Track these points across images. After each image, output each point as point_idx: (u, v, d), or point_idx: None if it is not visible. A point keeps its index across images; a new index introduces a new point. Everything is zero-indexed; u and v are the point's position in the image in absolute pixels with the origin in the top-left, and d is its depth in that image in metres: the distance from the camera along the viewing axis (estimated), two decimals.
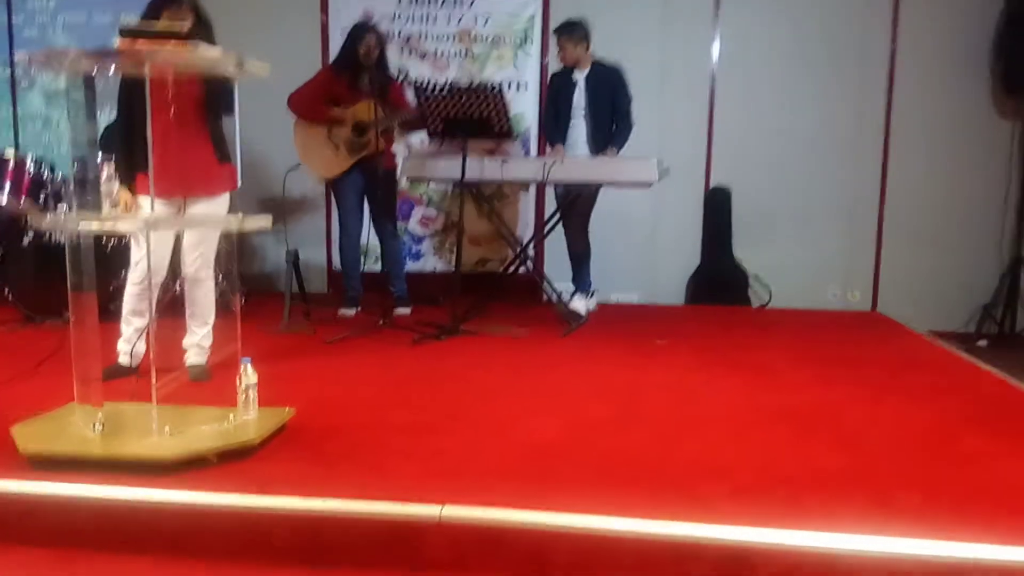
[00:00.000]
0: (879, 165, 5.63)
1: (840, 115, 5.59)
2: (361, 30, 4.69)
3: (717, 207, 5.72)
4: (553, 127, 4.89)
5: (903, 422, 2.98)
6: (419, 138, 5.34)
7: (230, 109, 3.37)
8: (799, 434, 2.83)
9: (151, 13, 3.16)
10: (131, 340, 3.41)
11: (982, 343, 5.36)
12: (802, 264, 5.71)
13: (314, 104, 4.72)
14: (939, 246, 5.59)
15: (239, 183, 3.00)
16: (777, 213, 5.72)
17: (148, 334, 3.40)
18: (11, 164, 4.51)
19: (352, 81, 4.57)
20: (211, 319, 3.49)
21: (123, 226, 2.87)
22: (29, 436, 2.50)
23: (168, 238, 3.33)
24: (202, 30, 3.12)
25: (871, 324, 5.11)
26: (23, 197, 4.50)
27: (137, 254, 3.30)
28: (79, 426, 2.58)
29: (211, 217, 3.32)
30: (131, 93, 3.39)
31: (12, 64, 5.81)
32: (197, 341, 3.48)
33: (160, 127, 3.08)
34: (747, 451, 2.64)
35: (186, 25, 3.07)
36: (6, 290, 4.54)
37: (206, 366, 3.48)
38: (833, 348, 4.28)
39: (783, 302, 5.66)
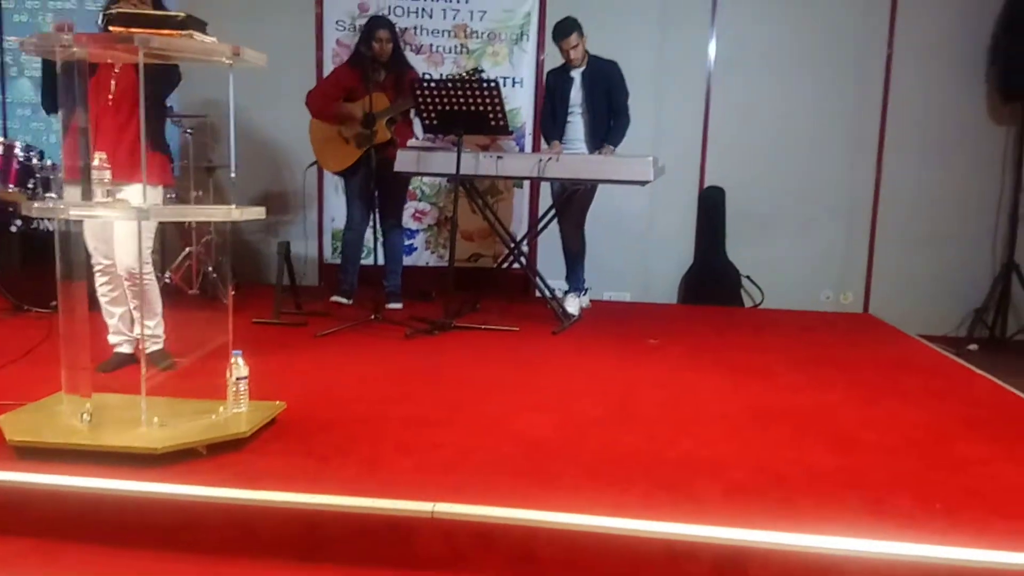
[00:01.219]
0: (873, 168, 5.64)
1: (835, 118, 5.60)
2: (374, 25, 4.71)
3: (711, 207, 5.72)
4: (550, 124, 4.87)
5: (896, 424, 2.98)
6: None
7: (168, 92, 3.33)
8: (793, 435, 2.82)
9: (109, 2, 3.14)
10: (119, 330, 3.38)
11: (973, 347, 5.38)
12: (795, 265, 5.72)
13: (327, 101, 4.74)
14: (932, 250, 5.62)
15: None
16: (771, 214, 5.72)
17: (132, 320, 3.39)
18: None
19: (366, 75, 4.56)
20: (159, 308, 3.40)
21: (115, 215, 2.83)
22: (16, 426, 2.46)
23: (107, 227, 3.25)
24: (195, 18, 3.09)
25: (864, 326, 5.12)
26: (11, 184, 4.45)
27: (89, 242, 3.26)
28: (67, 416, 2.56)
29: (204, 209, 3.29)
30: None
31: (2, 49, 5.75)
32: (151, 332, 3.36)
33: (95, 111, 3.06)
34: (741, 451, 2.64)
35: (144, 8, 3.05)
36: None
37: (164, 350, 3.42)
38: (826, 349, 4.28)
39: (775, 303, 5.67)
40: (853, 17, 5.51)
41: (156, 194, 3.29)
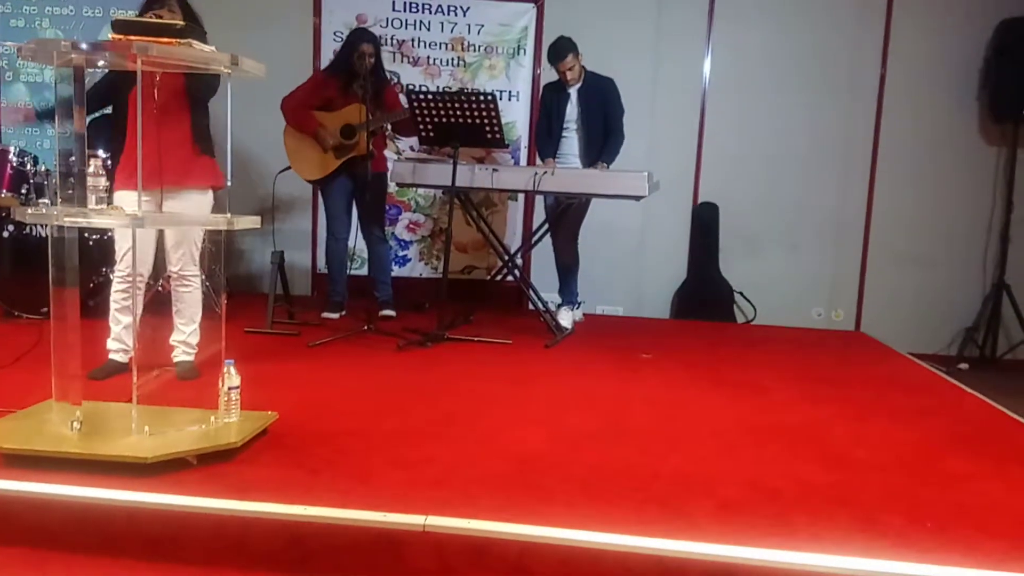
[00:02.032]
0: (866, 187, 5.68)
1: (829, 136, 5.64)
2: (358, 37, 4.69)
3: (704, 222, 5.74)
4: (545, 140, 4.89)
5: (887, 441, 2.99)
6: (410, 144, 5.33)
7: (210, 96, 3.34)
8: (784, 451, 2.83)
9: (142, 11, 3.16)
10: (121, 337, 3.38)
11: (963, 366, 5.41)
12: (788, 282, 5.74)
13: (303, 110, 4.71)
14: (923, 269, 5.65)
15: (228, 182, 2.96)
16: (764, 231, 5.75)
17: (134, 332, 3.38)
18: None
19: (345, 85, 4.56)
20: (198, 317, 3.46)
21: (110, 223, 2.82)
22: (5, 433, 2.45)
23: (150, 233, 3.31)
24: (194, 27, 3.10)
25: (855, 344, 5.14)
26: (4, 190, 4.44)
27: (121, 248, 3.29)
28: (56, 424, 2.54)
29: (199, 217, 3.29)
30: (112, 86, 3.38)
31: None
32: (184, 339, 3.45)
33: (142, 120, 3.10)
34: (733, 467, 2.64)
35: (176, 17, 3.07)
36: None
37: (194, 363, 3.45)
38: (818, 366, 4.30)
39: (767, 319, 5.68)
40: (847, 36, 5.56)
41: (208, 198, 3.36)
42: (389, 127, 4.87)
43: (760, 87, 5.63)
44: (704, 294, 5.76)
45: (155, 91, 3.15)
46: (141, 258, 3.29)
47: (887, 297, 5.72)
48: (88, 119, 2.78)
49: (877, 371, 4.30)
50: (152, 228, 3.25)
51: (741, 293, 5.77)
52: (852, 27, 5.56)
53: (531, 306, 4.86)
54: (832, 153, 5.66)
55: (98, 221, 2.63)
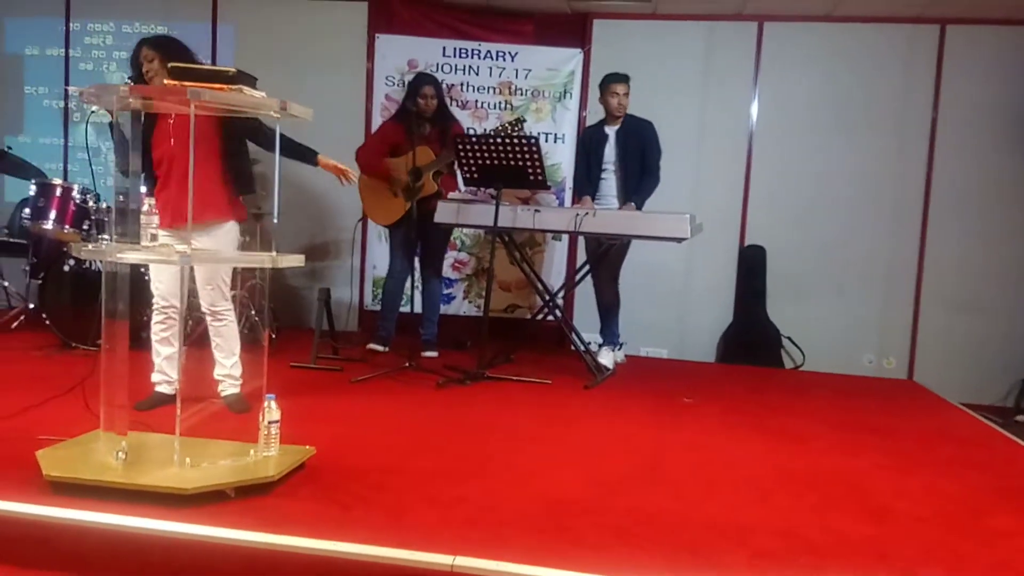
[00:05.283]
0: (918, 231, 5.58)
1: (879, 180, 5.58)
2: (419, 80, 4.86)
3: (752, 265, 5.69)
4: (584, 180, 4.93)
5: (931, 494, 2.90)
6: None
7: (269, 146, 3.44)
8: (823, 501, 2.76)
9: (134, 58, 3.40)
10: (163, 369, 3.48)
11: (1021, 418, 5.22)
12: (837, 328, 5.64)
13: (374, 156, 4.87)
14: (978, 316, 5.51)
15: (275, 219, 3.05)
16: (813, 275, 5.68)
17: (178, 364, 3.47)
18: (58, 192, 4.65)
19: (410, 129, 4.69)
20: (237, 348, 3.54)
21: (158, 259, 2.92)
22: (53, 461, 2.53)
23: (172, 269, 3.37)
24: (245, 74, 3.23)
25: (906, 393, 5.00)
26: (67, 225, 4.63)
27: (152, 280, 3.44)
28: (102, 453, 2.62)
29: (244, 255, 3.39)
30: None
31: (66, 96, 6.03)
32: (227, 371, 3.53)
33: (162, 163, 3.26)
34: (769, 516, 2.59)
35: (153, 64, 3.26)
36: (44, 315, 4.64)
37: (241, 394, 3.53)
38: (865, 415, 4.19)
39: (816, 365, 5.58)
40: (896, 80, 5.52)
41: (231, 229, 3.44)
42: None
43: (807, 130, 5.60)
44: (751, 338, 5.69)
45: (171, 133, 3.28)
46: (172, 290, 3.38)
47: (941, 345, 5.58)
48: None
49: (926, 421, 4.18)
50: (199, 265, 3.34)
51: (789, 338, 5.68)
52: (901, 71, 5.51)
53: (572, 347, 4.86)
54: (882, 197, 5.58)
55: (148, 258, 2.72)
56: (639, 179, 4.79)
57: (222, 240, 3.40)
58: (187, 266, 3.41)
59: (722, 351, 5.78)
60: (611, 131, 4.83)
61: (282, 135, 3.26)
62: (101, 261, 3.01)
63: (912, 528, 2.55)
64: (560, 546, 2.25)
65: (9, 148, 5.37)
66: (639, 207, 4.71)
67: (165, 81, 2.63)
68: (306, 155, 3.66)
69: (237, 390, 3.54)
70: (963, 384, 5.31)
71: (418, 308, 4.95)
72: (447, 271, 5.78)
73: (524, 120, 4.67)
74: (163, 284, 3.41)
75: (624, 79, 4.77)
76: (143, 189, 4.09)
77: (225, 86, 2.53)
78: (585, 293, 5.21)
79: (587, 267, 4.87)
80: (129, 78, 3.44)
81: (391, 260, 5.06)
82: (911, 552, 2.35)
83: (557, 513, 2.52)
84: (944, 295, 5.57)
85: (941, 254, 5.55)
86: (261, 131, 3.45)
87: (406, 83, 5.34)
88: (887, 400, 4.67)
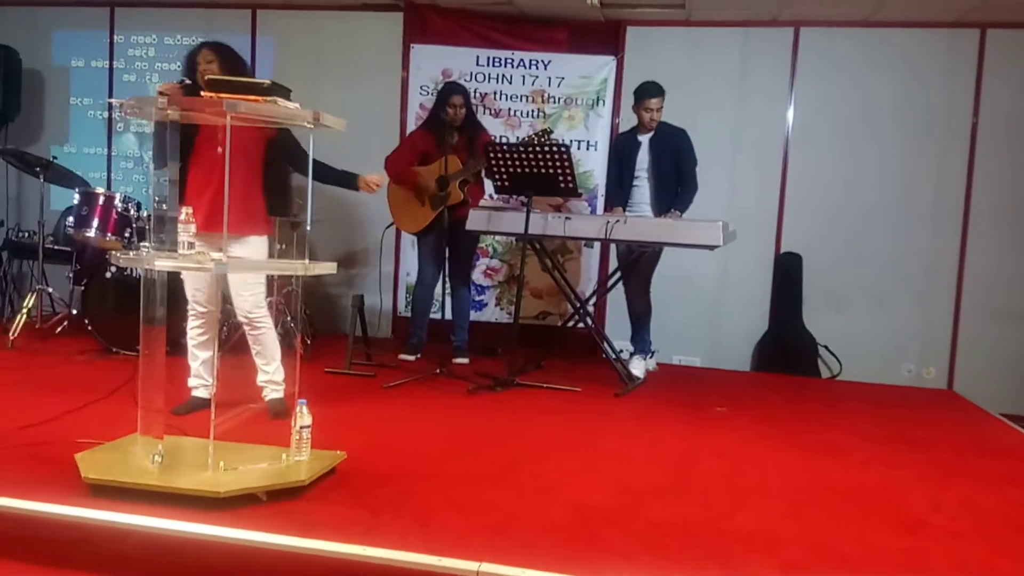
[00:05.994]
0: (958, 238, 5.47)
1: (918, 187, 5.48)
2: (448, 89, 4.90)
3: (788, 273, 5.63)
4: (616, 189, 4.91)
5: (967, 508, 2.85)
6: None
7: (297, 166, 3.50)
8: (856, 514, 2.72)
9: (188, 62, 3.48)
10: (199, 374, 3.54)
11: None
12: (876, 336, 5.55)
13: (403, 165, 4.91)
14: (1020, 324, 5.39)
15: (308, 227, 3.11)
16: (850, 283, 5.60)
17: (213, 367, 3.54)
18: (101, 200, 4.78)
19: (440, 138, 4.73)
20: (277, 354, 3.59)
21: (195, 267, 2.98)
22: (91, 464, 2.59)
23: (206, 275, 3.41)
24: (279, 85, 3.29)
25: (944, 403, 4.91)
26: (110, 233, 4.74)
27: (185, 284, 3.49)
28: (139, 456, 2.68)
29: (277, 263, 3.44)
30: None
31: (110, 107, 6.18)
32: (270, 377, 3.58)
33: (203, 166, 3.30)
34: (800, 528, 2.56)
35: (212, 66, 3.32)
36: (86, 321, 4.76)
37: (284, 399, 3.57)
38: (902, 427, 4.12)
39: (854, 375, 5.50)
40: (937, 86, 5.43)
41: (262, 243, 3.49)
42: (484, 173, 5.00)
43: (844, 137, 5.53)
44: (787, 346, 5.62)
45: (218, 143, 3.34)
46: (207, 296, 3.44)
47: (982, 354, 5.46)
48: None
49: (965, 433, 4.10)
50: (233, 273, 3.38)
51: (826, 347, 5.60)
52: (941, 77, 5.42)
53: (604, 354, 4.85)
54: (920, 204, 5.49)
55: (184, 265, 2.78)
56: (675, 188, 4.76)
57: (252, 249, 3.45)
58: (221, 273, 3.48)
59: (757, 360, 5.72)
60: (644, 138, 4.81)
61: (320, 162, 3.32)
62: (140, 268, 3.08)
63: (948, 543, 2.50)
64: (587, 554, 2.25)
65: (55, 158, 5.52)
66: (683, 214, 4.70)
67: (202, 93, 2.69)
68: (347, 179, 3.71)
69: (280, 394, 3.59)
70: (1004, 394, 5.19)
71: (449, 315, 4.98)
72: (479, 278, 5.81)
73: (551, 131, 4.68)
74: (199, 290, 3.48)
75: (659, 93, 4.70)
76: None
77: (260, 98, 2.58)
78: (617, 301, 5.20)
79: (618, 274, 4.86)
80: (183, 76, 3.50)
81: (420, 268, 5.10)
82: (946, 567, 2.31)
83: (584, 521, 2.52)
84: (985, 303, 5.45)
85: (982, 262, 5.44)
86: (304, 160, 3.48)
87: None
88: (926, 411, 4.58)
